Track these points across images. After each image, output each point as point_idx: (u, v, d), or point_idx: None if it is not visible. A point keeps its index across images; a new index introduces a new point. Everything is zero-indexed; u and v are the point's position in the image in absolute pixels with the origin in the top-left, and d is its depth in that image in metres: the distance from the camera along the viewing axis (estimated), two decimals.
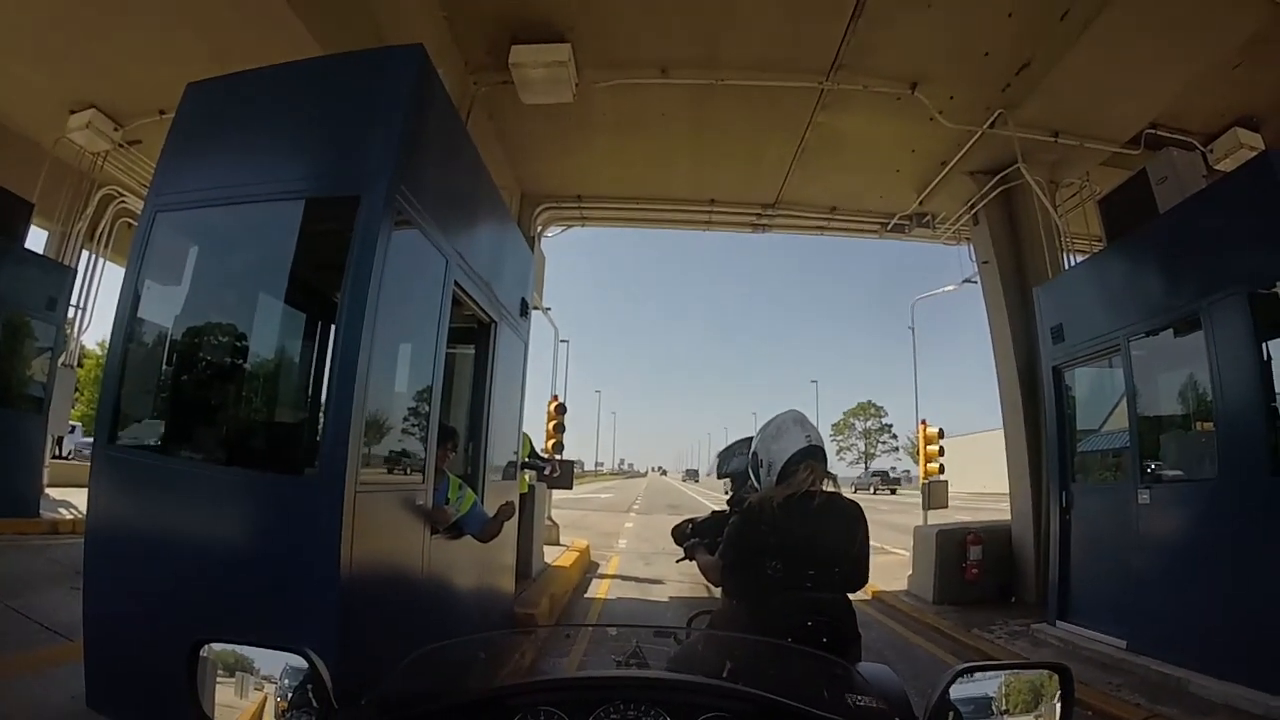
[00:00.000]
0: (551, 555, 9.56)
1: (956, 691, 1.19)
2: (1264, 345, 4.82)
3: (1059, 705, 1.21)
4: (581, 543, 11.60)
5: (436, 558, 3.91)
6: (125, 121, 8.37)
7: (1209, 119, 7.72)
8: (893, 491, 41.32)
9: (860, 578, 2.37)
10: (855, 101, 7.40)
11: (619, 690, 1.24)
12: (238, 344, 3.74)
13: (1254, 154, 7.03)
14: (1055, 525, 6.71)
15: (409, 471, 3.78)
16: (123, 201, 9.93)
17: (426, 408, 3.83)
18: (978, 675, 1.23)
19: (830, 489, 2.43)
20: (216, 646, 1.22)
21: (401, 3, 5.59)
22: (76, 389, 9.66)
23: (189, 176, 3.75)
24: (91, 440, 4.27)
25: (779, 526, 2.28)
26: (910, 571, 8.60)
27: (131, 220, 9.69)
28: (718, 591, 2.62)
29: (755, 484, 2.59)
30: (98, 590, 3.36)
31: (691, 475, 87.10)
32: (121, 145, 8.64)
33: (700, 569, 2.76)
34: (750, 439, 2.66)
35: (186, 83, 3.95)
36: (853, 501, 2.46)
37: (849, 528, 2.36)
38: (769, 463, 2.47)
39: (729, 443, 3.00)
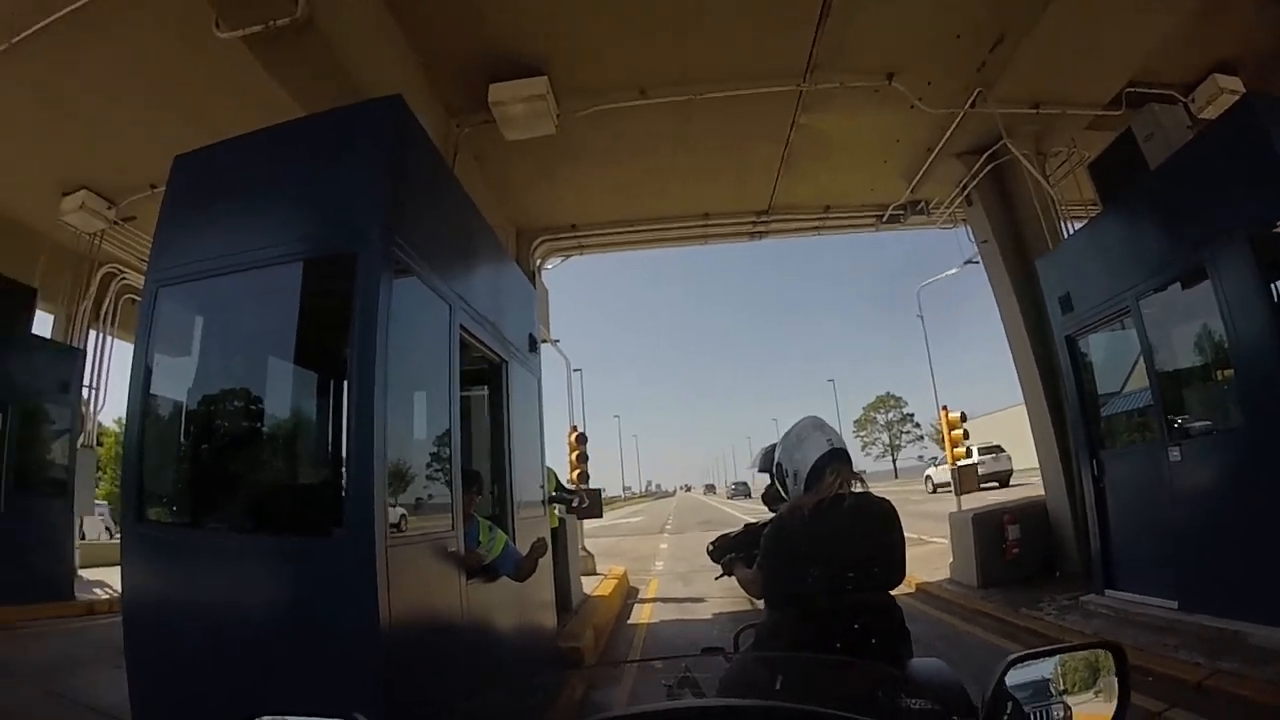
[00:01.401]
0: (590, 585, 9.49)
1: (1012, 679, 1.20)
2: (1272, 286, 4.81)
3: (1116, 680, 1.22)
4: (619, 569, 11.51)
5: (475, 602, 3.88)
6: (118, 199, 8.47)
7: (1187, 69, 7.71)
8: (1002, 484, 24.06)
9: (899, 574, 2.37)
10: (835, 99, 7.42)
11: None
12: (252, 409, 3.75)
13: (1235, 98, 6.98)
14: (1090, 494, 6.63)
15: (437, 519, 3.76)
16: (124, 278, 10.04)
17: (447, 453, 3.82)
18: (1031, 662, 1.24)
19: (859, 489, 2.43)
20: (267, 718, 1.19)
21: (376, 56, 5.65)
22: (99, 468, 9.70)
23: (186, 249, 3.77)
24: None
25: (813, 534, 2.29)
26: (951, 559, 8.50)
27: (134, 296, 9.78)
28: (761, 603, 2.61)
29: (783, 494, 2.59)
30: (140, 668, 3.36)
31: (740, 489, 79.26)
32: (116, 223, 8.74)
33: (740, 583, 2.75)
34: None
35: (174, 155, 4.00)
36: (883, 499, 2.46)
37: (882, 525, 2.36)
38: (794, 471, 2.48)
39: (757, 450, 2.99)
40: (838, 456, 2.42)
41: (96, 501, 11.67)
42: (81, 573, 9.42)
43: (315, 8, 4.76)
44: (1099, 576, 6.49)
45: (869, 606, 2.25)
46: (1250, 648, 4.56)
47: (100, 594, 8.80)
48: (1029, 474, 26.29)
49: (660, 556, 15.57)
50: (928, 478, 29.96)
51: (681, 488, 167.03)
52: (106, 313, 10.05)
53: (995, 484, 21.88)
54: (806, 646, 2.13)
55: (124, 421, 4.09)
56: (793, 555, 2.32)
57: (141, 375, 3.69)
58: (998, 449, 24.56)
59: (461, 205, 4.69)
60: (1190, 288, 5.48)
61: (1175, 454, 5.58)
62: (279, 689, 2.94)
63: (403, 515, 3.46)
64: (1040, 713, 1.20)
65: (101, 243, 9.11)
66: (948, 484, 28.51)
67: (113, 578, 9.02)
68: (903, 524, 2.41)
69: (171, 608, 3.34)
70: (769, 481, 2.73)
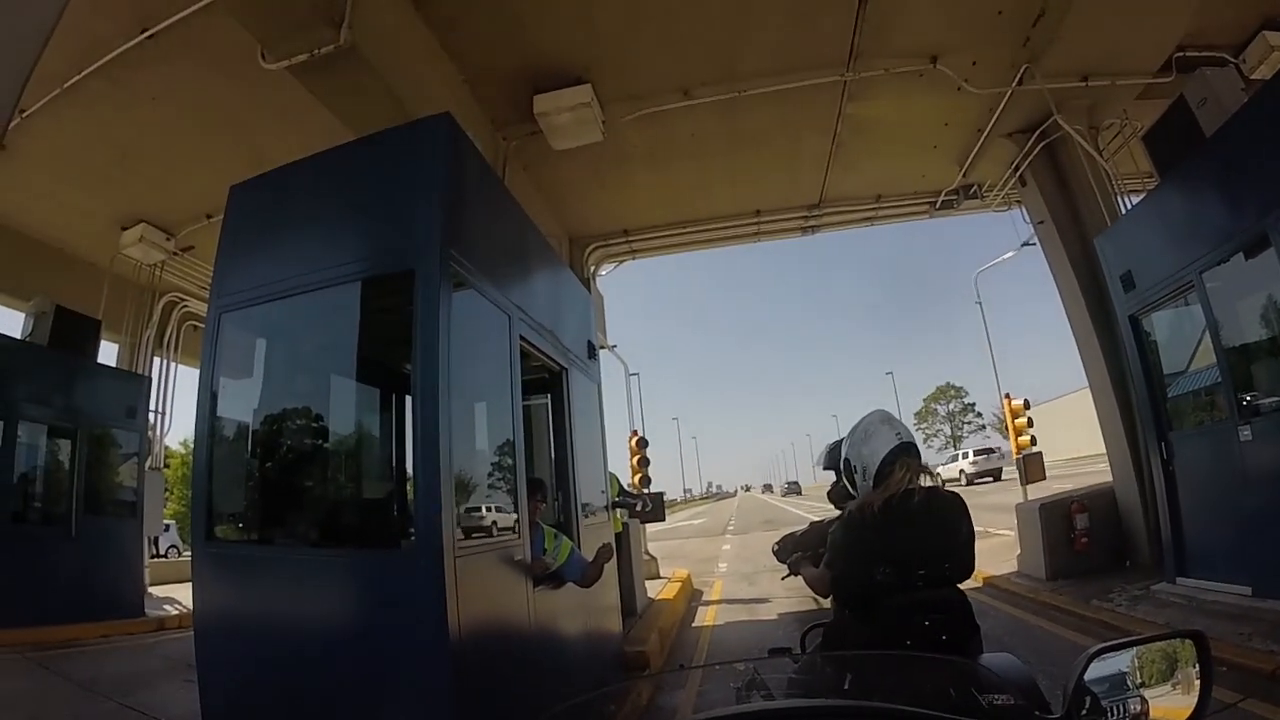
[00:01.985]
0: (654, 589, 9.48)
1: (1091, 673, 1.17)
2: None
3: (1196, 671, 1.18)
4: (682, 572, 11.46)
5: (541, 609, 3.90)
6: (175, 230, 8.85)
7: (1234, 30, 7.39)
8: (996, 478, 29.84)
9: (969, 568, 2.33)
10: (880, 86, 7.31)
11: None
12: (316, 427, 3.84)
13: None
14: (1159, 479, 6.42)
15: (503, 528, 3.79)
16: (185, 305, 10.44)
17: (511, 461, 3.85)
18: (1110, 655, 1.21)
19: (928, 483, 2.38)
20: None
21: (421, 75, 5.75)
22: (166, 489, 10.07)
23: (246, 275, 3.88)
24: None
25: (883, 531, 2.25)
26: (1019, 551, 8.29)
27: (196, 322, 10.19)
28: (827, 602, 2.57)
29: (852, 491, 2.54)
30: (211, 681, 3.44)
31: (793, 488, 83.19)
32: (176, 253, 9.14)
33: (807, 582, 2.71)
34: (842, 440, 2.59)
35: (229, 185, 4.11)
36: (954, 494, 2.41)
37: (953, 521, 2.32)
38: (863, 467, 2.43)
39: (822, 447, 2.95)
40: (907, 450, 2.38)
41: (164, 521, 12.10)
42: (151, 590, 9.76)
43: (358, 34, 4.85)
44: (1170, 564, 6.30)
45: (938, 602, 2.21)
46: None
47: (170, 610, 9.11)
48: (1074, 464, 25.85)
49: (724, 558, 15.44)
50: (961, 471, 31.70)
51: (741, 488, 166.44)
52: (169, 339, 10.46)
53: (989, 479, 27.05)
54: (875, 645, 2.10)
55: (190, 443, 4.21)
56: (864, 553, 2.28)
57: (208, 398, 3.80)
58: (989, 450, 31.61)
59: (514, 216, 4.73)
60: (1254, 257, 5.27)
61: (1246, 433, 5.39)
62: (349, 701, 2.99)
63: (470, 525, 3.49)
64: (1117, 706, 1.18)
65: (162, 273, 9.51)
66: (981, 475, 29.92)
67: (181, 594, 9.38)
68: (974, 515, 2.37)
69: (241, 623, 3.42)
70: (835, 479, 2.68)
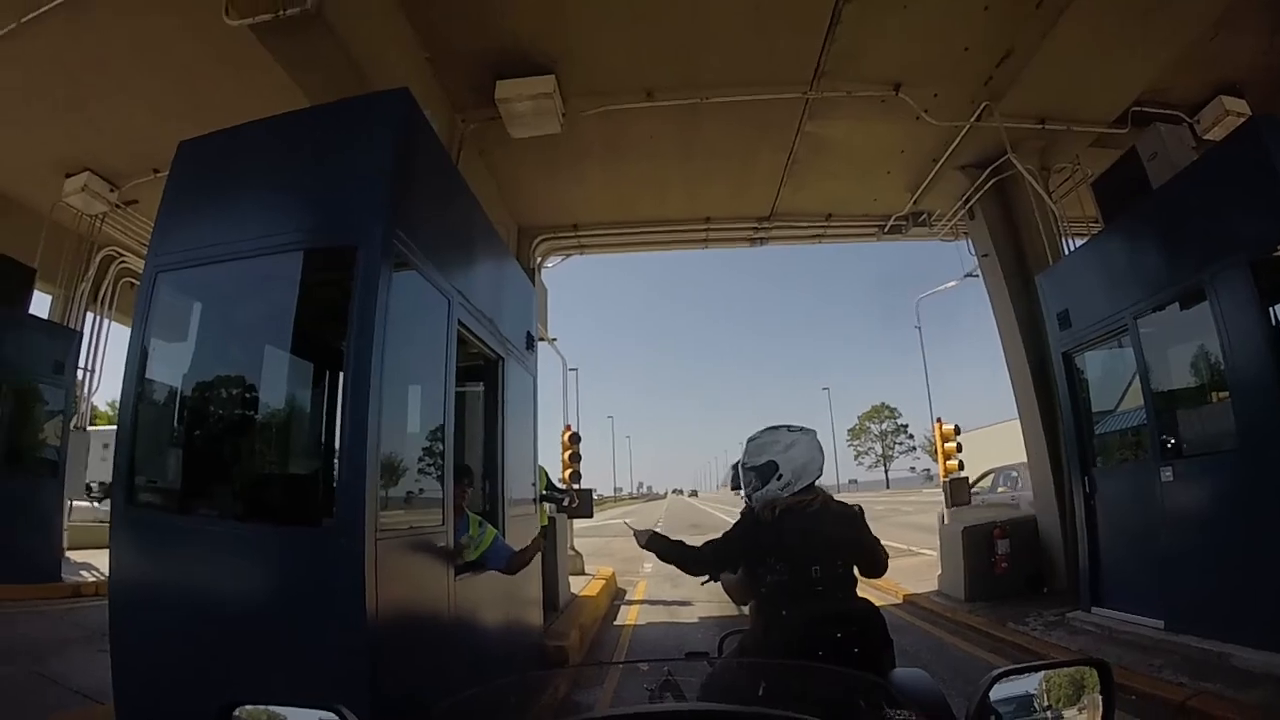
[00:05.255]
0: (578, 585, 9.49)
1: (996, 693, 1.20)
2: (1271, 310, 4.82)
3: (1101, 698, 1.22)
4: (607, 570, 11.48)
5: (462, 597, 3.88)
6: (121, 182, 8.46)
7: (1193, 90, 7.71)
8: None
9: (875, 566, 2.56)
10: (841, 108, 7.43)
11: None
12: (247, 397, 3.75)
13: (1241, 120, 7.03)
14: (1081, 511, 6.64)
15: (428, 513, 3.76)
16: (124, 262, 10.02)
17: (440, 447, 3.81)
18: (1015, 677, 1.24)
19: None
20: (249, 708, 1.21)
21: (384, 48, 5.64)
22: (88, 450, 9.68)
23: (187, 235, 3.77)
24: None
25: (775, 528, 2.46)
26: (939, 571, 8.50)
27: (133, 280, 9.78)
28: (747, 609, 2.65)
29: (749, 501, 2.72)
30: (124, 651, 3.35)
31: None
32: (119, 206, 8.73)
33: (724, 588, 2.81)
34: (785, 427, 2.75)
35: (179, 141, 3.99)
36: (851, 505, 2.66)
37: (847, 523, 2.54)
38: (755, 478, 2.68)
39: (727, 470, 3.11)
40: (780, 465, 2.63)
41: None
42: (69, 554, 9.39)
43: None
44: (1086, 593, 6.51)
45: (849, 614, 2.33)
46: (1235, 670, 4.57)
47: (87, 576, 8.77)
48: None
49: (649, 559, 15.46)
50: None
51: (673, 490, 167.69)
52: (105, 295, 10.05)
53: None
54: (790, 653, 2.18)
55: (117, 404, 4.07)
56: (756, 545, 2.49)
57: (137, 359, 3.69)
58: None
59: (464, 200, 4.69)
60: (1188, 309, 5.49)
61: (1168, 474, 5.59)
62: (263, 678, 2.94)
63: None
64: None
65: (103, 225, 9.10)
66: None
67: (100, 560, 9.03)
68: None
69: (158, 591, 3.34)
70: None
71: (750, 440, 2.73)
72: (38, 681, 4.69)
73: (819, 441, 2.67)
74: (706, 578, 2.87)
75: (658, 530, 2.88)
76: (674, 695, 1.65)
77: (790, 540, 2.42)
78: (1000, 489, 13.75)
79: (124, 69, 6.49)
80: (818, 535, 2.43)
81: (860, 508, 2.65)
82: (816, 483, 2.64)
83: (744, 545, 2.54)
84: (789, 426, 2.70)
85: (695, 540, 2.68)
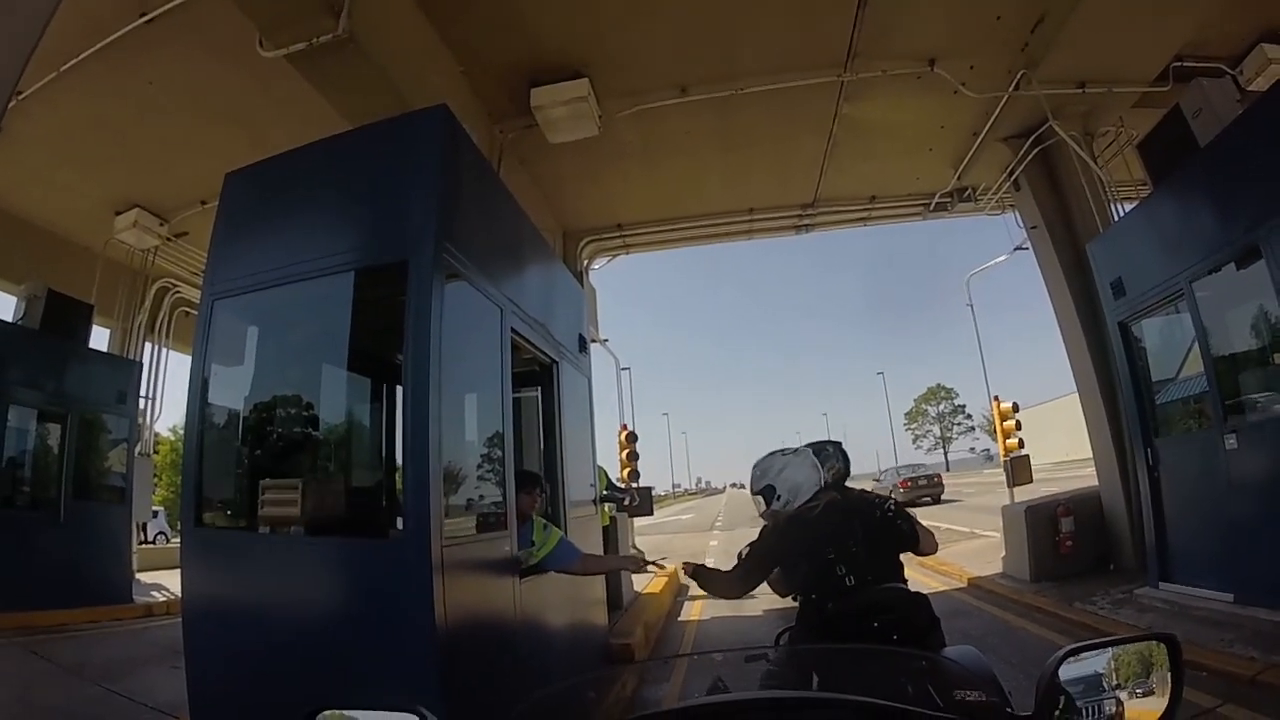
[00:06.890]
0: (641, 583, 9.51)
1: (1064, 673, 1.19)
2: None
3: (1169, 674, 1.20)
4: (669, 567, 11.45)
5: (528, 601, 3.91)
6: (169, 216, 8.80)
7: (1233, 41, 7.42)
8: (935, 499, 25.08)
9: (903, 541, 2.60)
10: (877, 88, 7.32)
11: (745, 712, 1.29)
12: (307, 415, 3.85)
13: None
14: (1145, 484, 6.45)
15: (491, 519, 3.81)
16: (178, 291, 10.42)
17: (500, 453, 3.87)
18: (1084, 655, 1.23)
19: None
20: (330, 714, 1.22)
21: (419, 66, 5.73)
22: (155, 475, 10.05)
23: (239, 263, 3.87)
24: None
25: (789, 535, 2.61)
26: (1004, 553, 8.31)
27: (188, 309, 10.17)
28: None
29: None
30: (199, 666, 3.44)
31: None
32: (169, 239, 9.09)
33: (769, 585, 2.87)
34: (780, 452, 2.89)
35: (225, 172, 4.10)
36: (867, 492, 2.85)
37: (858, 513, 2.60)
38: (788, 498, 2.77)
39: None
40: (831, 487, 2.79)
41: (153, 507, 12.09)
42: (139, 576, 9.74)
43: (356, 23, 4.83)
44: (1153, 569, 6.34)
45: (885, 602, 2.37)
46: None
47: (158, 596, 9.09)
48: (1061, 467, 25.73)
49: (710, 553, 15.40)
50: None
51: (731, 485, 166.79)
52: (161, 325, 10.43)
53: (929, 499, 24.31)
54: (838, 640, 2.28)
55: (180, 430, 4.20)
56: (789, 544, 2.60)
57: (199, 385, 3.81)
58: (924, 477, 27.09)
59: (508, 209, 4.73)
60: (1245, 268, 5.30)
61: (1232, 441, 5.42)
62: (334, 688, 3.00)
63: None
64: (1092, 707, 1.19)
65: (155, 258, 9.47)
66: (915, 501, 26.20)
67: (169, 581, 9.36)
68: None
69: (230, 608, 3.43)
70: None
71: (753, 467, 2.91)
72: (118, 701, 4.85)
73: (813, 459, 2.82)
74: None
75: (705, 564, 3.15)
76: (739, 686, 1.66)
77: (803, 545, 2.54)
78: None
79: (166, 106, 6.73)
80: (826, 534, 2.51)
81: (878, 495, 2.78)
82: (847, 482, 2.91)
83: (767, 558, 2.67)
84: (783, 451, 2.88)
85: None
